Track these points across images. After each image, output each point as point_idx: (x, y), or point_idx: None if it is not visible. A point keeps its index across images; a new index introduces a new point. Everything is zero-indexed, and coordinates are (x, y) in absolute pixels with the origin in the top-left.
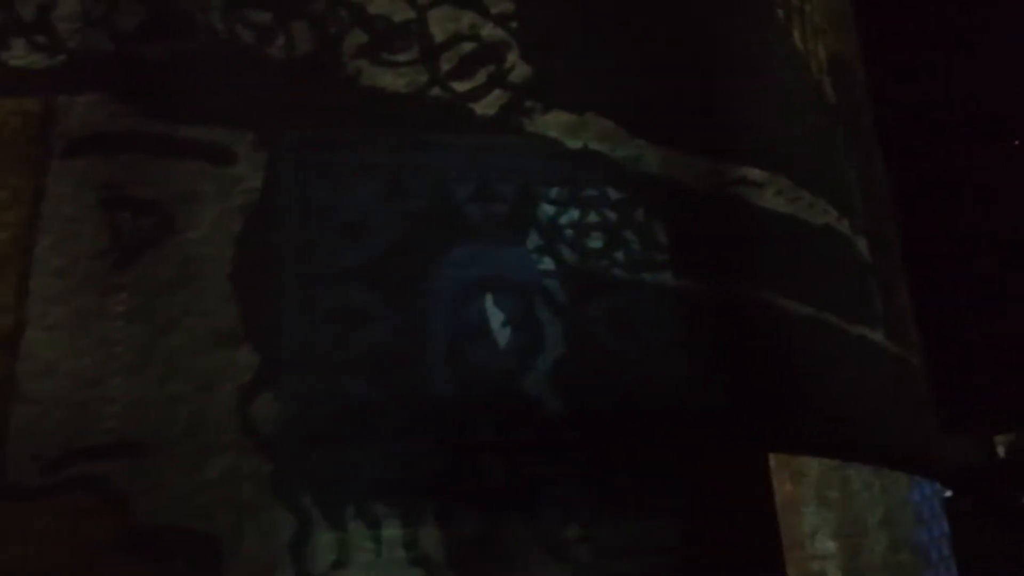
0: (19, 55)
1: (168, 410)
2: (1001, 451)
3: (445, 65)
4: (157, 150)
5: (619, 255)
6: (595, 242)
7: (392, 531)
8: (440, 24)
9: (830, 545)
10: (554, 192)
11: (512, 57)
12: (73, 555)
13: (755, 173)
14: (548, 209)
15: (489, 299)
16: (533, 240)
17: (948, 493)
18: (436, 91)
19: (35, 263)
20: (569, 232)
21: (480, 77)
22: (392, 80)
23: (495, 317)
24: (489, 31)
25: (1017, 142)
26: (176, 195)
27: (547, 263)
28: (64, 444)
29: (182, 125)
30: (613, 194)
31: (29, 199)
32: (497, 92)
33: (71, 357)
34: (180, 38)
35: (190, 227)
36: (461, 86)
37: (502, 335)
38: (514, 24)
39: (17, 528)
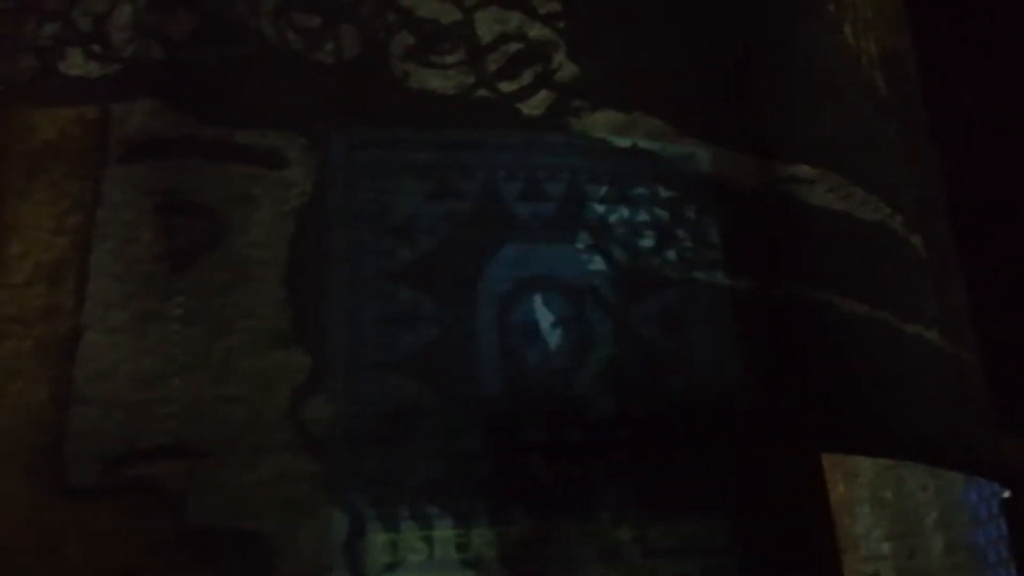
0: (76, 64)
1: (224, 411)
2: None
3: (492, 66)
4: (211, 155)
5: (670, 254)
6: (645, 241)
7: (444, 532)
8: (487, 25)
9: (884, 546)
10: (603, 191)
11: (559, 57)
12: (131, 554)
13: (805, 170)
14: (597, 208)
15: (538, 299)
16: (582, 239)
17: (1007, 494)
18: (483, 92)
19: (94, 268)
20: (619, 231)
21: (527, 77)
22: (440, 82)
23: (544, 317)
24: (536, 31)
25: None
26: (230, 199)
27: (597, 262)
28: (122, 445)
29: (235, 130)
30: (663, 192)
31: (87, 205)
32: (544, 92)
33: (129, 360)
34: (231, 44)
35: (244, 231)
36: (508, 86)
37: (552, 335)
38: (561, 24)
39: (76, 528)
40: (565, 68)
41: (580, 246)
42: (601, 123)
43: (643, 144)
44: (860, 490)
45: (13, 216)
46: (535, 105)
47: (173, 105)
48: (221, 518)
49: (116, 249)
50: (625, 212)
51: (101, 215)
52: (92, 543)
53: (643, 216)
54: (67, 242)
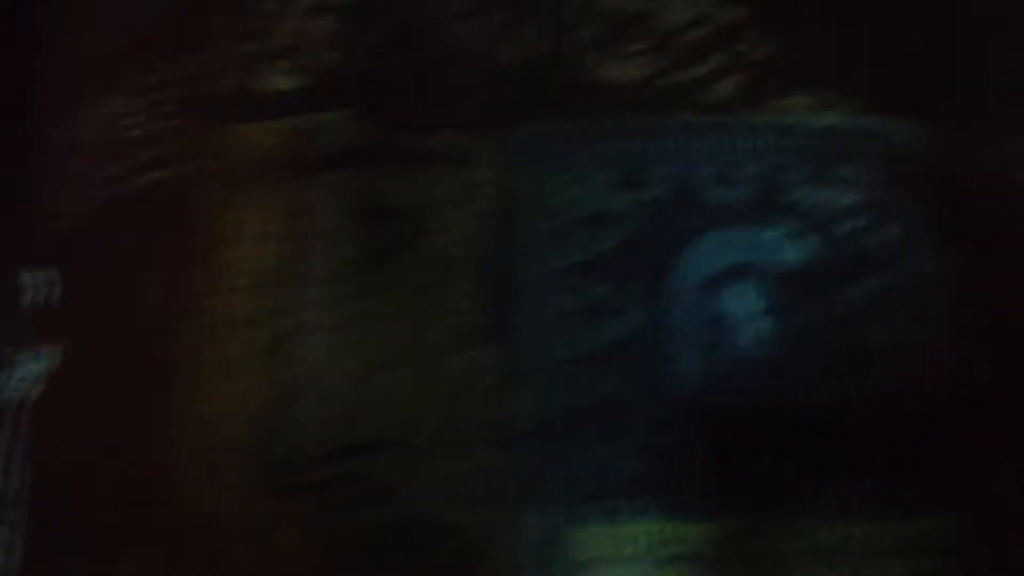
0: (275, 80)
1: (427, 407)
2: None
3: (681, 51)
4: (405, 160)
5: (875, 238)
6: (849, 225)
7: (649, 528)
8: (675, 11)
9: None
10: (803, 174)
11: (751, 38)
12: (341, 544)
13: None
14: (796, 192)
15: (736, 289)
16: (781, 225)
17: None
18: (672, 78)
19: (302, 273)
20: (821, 215)
21: (718, 60)
22: (627, 71)
23: (743, 308)
24: (726, 13)
25: None
26: (425, 202)
27: (797, 249)
28: (333, 441)
29: (427, 135)
30: (867, 173)
31: (293, 214)
32: (737, 75)
33: (338, 359)
34: (422, 50)
35: (440, 231)
36: (698, 71)
37: (751, 326)
38: (751, 5)
39: (289, 520)
40: (758, 49)
41: (779, 232)
42: (798, 103)
43: (844, 123)
44: None
45: (224, 227)
46: (727, 88)
47: (368, 114)
48: (427, 510)
49: (322, 254)
50: (827, 195)
51: (306, 222)
52: (304, 534)
53: (846, 199)
54: (276, 249)
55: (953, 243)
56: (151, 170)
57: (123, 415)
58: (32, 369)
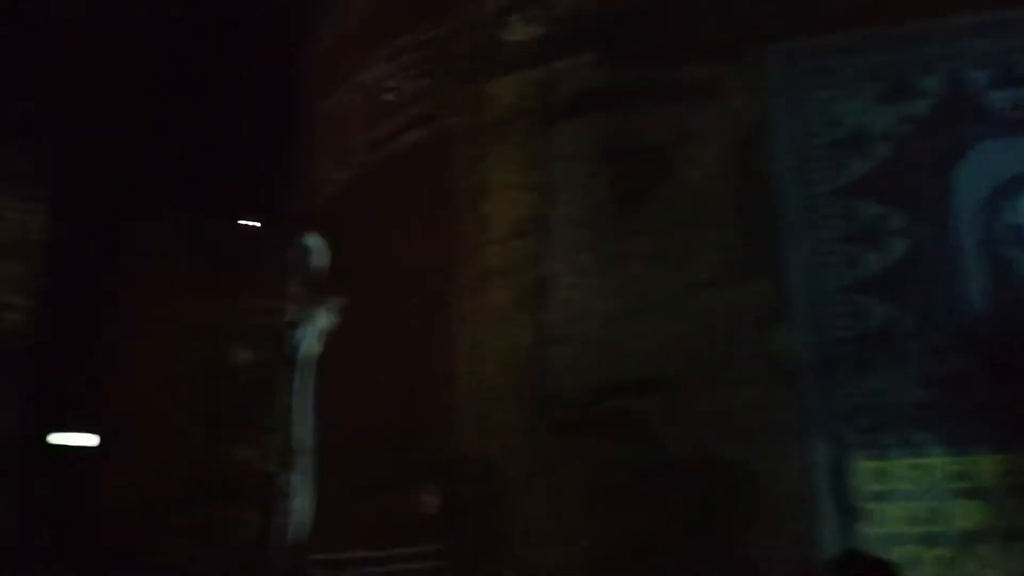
0: (518, 31)
1: (693, 344)
2: None
3: None
4: (653, 97)
5: None
6: None
7: (937, 460)
8: None
9: None
10: None
11: None
12: (614, 482)
13: None
14: None
15: None
16: None
17: None
18: None
19: (558, 218)
20: None
21: None
22: None
23: None
24: None
25: None
26: (676, 137)
27: None
28: (599, 380)
29: (674, 68)
30: None
31: (545, 161)
32: None
33: (599, 300)
34: None
35: (693, 166)
36: None
37: None
38: None
39: (562, 457)
40: None
41: None
42: None
43: None
44: None
45: (484, 179)
46: None
47: (610, 55)
48: (700, 448)
49: (576, 198)
50: None
51: (558, 168)
52: (577, 471)
53: None
54: (532, 197)
55: None
56: (409, 132)
57: (400, 365)
58: (318, 326)
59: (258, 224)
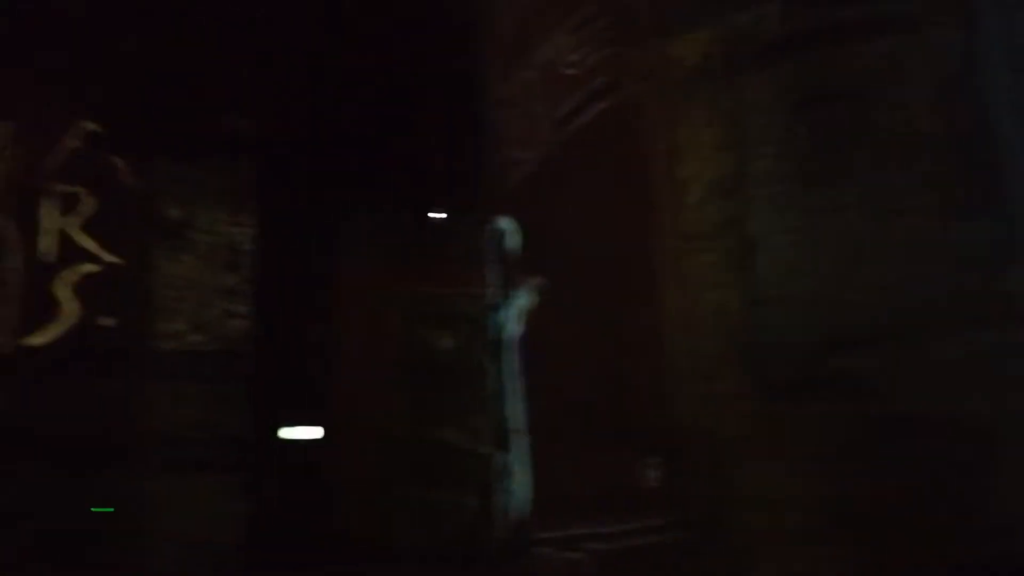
0: None
1: (916, 292)
2: None
3: None
4: (850, 36)
5: None
6: None
7: None
8: None
9: None
10: None
11: None
12: (835, 444)
13: None
14: None
15: None
16: None
17: None
18: None
19: (758, 173)
20: None
21: None
22: None
23: None
24: None
25: None
26: (874, 77)
27: None
28: (815, 339)
29: (874, 3)
30: None
31: (739, 117)
32: None
33: (810, 256)
34: None
35: (895, 106)
36: None
37: None
38: None
39: (779, 421)
40: None
41: None
42: None
43: None
44: None
45: (676, 143)
46: None
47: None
48: (932, 403)
49: (774, 152)
50: None
51: (753, 123)
52: (800, 434)
53: None
54: (729, 155)
55: None
56: (594, 104)
57: (606, 339)
58: (518, 307)
59: (450, 213)
